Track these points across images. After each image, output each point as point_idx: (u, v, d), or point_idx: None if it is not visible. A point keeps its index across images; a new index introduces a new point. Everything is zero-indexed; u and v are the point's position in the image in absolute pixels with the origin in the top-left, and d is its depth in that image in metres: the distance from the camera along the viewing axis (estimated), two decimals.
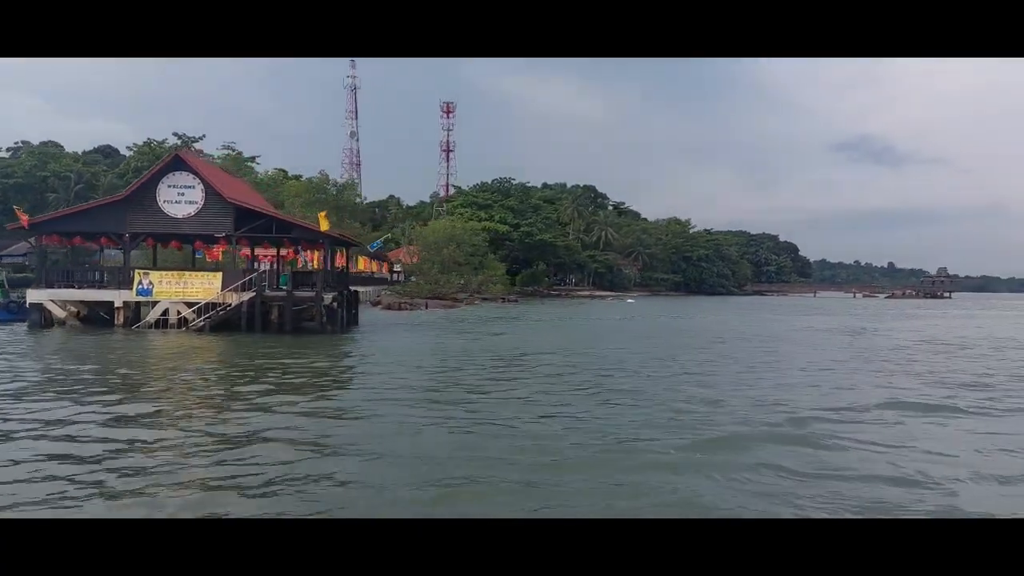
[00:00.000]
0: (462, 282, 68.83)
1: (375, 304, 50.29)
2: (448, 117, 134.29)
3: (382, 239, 44.96)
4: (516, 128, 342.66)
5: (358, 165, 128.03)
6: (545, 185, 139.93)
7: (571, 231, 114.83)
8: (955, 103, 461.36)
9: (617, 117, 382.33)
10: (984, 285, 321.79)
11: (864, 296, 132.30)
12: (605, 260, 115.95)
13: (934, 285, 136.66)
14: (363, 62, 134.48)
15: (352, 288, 34.13)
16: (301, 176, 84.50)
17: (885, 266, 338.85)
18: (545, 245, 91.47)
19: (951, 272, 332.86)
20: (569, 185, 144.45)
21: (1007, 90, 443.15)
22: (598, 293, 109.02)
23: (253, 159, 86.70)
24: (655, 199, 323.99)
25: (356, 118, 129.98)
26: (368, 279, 67.77)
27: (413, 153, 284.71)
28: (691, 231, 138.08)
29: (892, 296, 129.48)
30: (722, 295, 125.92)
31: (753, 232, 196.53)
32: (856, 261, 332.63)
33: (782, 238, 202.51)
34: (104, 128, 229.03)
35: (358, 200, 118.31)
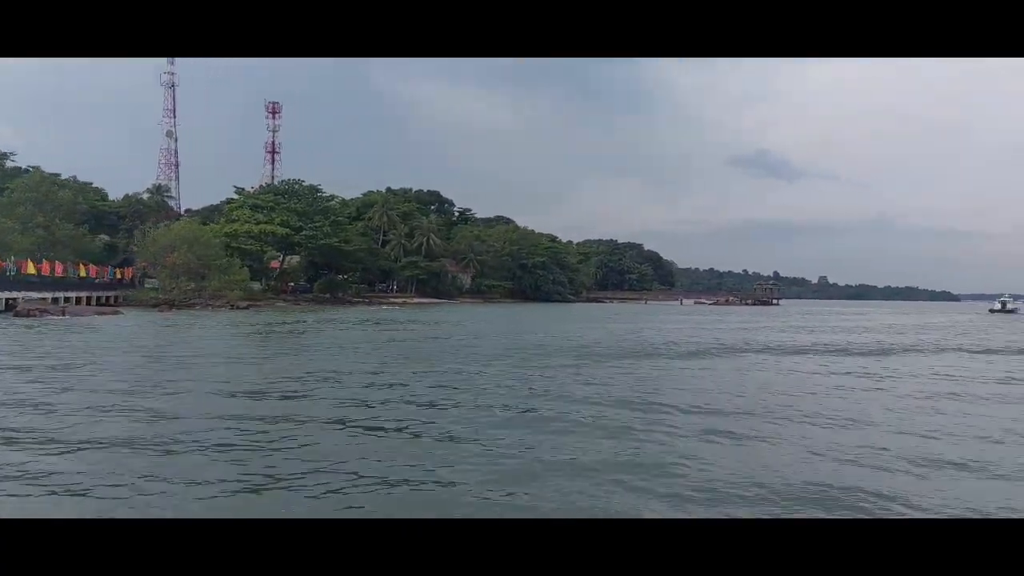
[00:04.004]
0: (193, 287, 65.38)
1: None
2: (274, 118, 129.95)
3: None
4: (424, 137, 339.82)
5: (176, 166, 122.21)
6: (389, 189, 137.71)
7: (392, 237, 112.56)
8: (848, 121, 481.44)
9: (527, 127, 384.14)
10: (861, 293, 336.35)
11: (695, 303, 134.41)
12: (428, 267, 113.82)
13: (764, 292, 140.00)
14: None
15: None
16: (60, 176, 79.67)
17: (771, 275, 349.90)
18: (332, 249, 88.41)
19: (832, 281, 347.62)
20: (414, 190, 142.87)
21: (897, 110, 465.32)
22: (415, 300, 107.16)
23: (5, 156, 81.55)
24: (564, 210, 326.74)
25: (174, 116, 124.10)
26: (88, 284, 63.54)
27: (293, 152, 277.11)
28: (530, 238, 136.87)
29: (717, 303, 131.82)
30: (557, 302, 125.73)
31: (621, 241, 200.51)
32: (745, 270, 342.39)
33: (681, 248, 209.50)
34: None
35: (172, 202, 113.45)
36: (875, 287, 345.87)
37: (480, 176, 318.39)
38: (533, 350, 27.53)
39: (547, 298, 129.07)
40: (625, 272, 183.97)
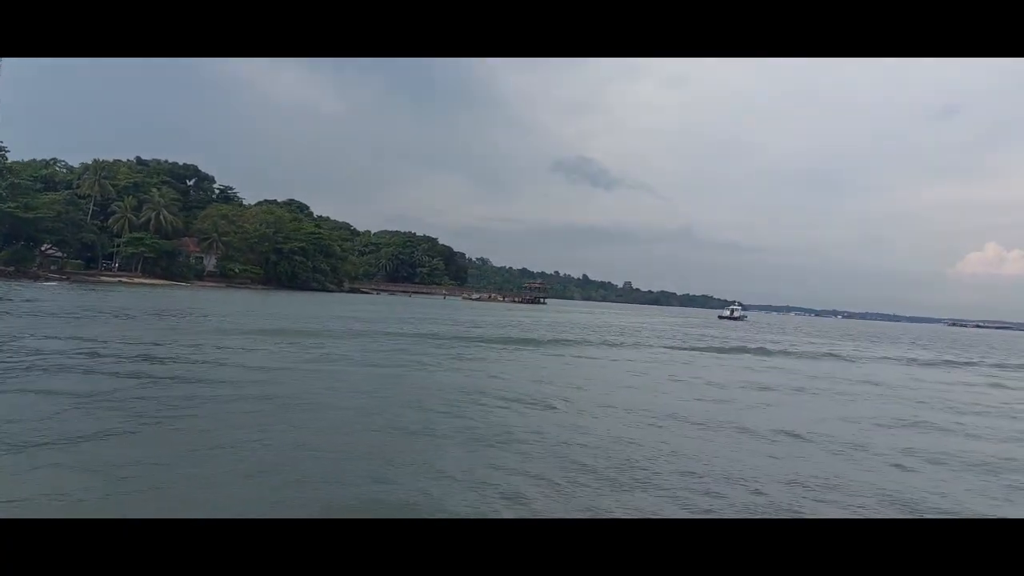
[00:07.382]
0: None
1: None
2: None
3: None
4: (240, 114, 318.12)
5: None
6: (139, 159, 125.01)
7: (117, 209, 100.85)
8: (660, 137, 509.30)
9: (353, 113, 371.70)
10: (660, 299, 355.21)
11: (463, 299, 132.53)
12: (156, 244, 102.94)
13: (532, 291, 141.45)
14: None
15: None
16: None
17: (580, 277, 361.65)
18: (8, 216, 76.53)
19: (635, 286, 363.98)
20: (168, 162, 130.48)
21: (702, 131, 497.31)
22: (136, 280, 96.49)
23: None
24: (381, 201, 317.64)
25: None
26: None
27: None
28: (290, 222, 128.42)
29: (481, 299, 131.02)
30: (315, 291, 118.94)
31: (420, 233, 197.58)
32: (556, 271, 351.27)
33: (501, 246, 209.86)
34: None
35: None
36: (674, 294, 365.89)
37: (288, 159, 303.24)
38: None
39: (305, 287, 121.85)
40: (416, 265, 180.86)
